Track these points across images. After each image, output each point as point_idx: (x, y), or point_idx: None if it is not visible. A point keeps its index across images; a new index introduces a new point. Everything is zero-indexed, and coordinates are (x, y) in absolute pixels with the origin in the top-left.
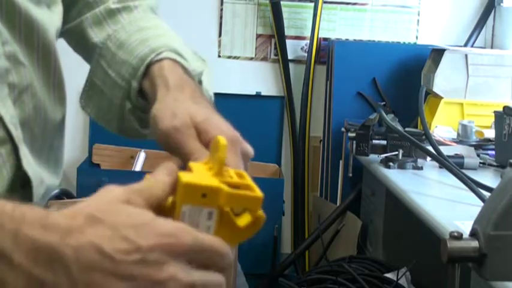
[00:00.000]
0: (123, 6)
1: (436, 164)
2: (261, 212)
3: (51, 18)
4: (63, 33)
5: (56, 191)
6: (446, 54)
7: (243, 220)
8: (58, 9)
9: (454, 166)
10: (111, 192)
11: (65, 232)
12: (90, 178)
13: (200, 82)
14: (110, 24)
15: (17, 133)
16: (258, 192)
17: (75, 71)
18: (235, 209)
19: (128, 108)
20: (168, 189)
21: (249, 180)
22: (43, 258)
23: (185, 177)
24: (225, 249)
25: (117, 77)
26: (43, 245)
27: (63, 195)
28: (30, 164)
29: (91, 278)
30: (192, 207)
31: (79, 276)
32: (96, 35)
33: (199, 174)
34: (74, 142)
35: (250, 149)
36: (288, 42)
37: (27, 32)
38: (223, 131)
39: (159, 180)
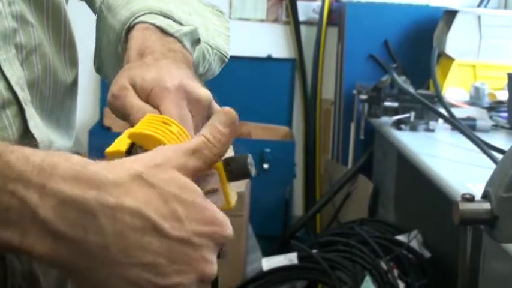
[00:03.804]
0: None
1: (448, 126)
2: None
3: None
4: None
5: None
6: (458, 15)
7: None
8: None
9: (466, 128)
10: (164, 153)
11: (104, 188)
12: (101, 141)
13: (198, 40)
14: None
15: (23, 94)
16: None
17: (86, 33)
18: None
19: None
20: (223, 148)
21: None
22: (73, 214)
23: None
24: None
25: (109, 42)
26: (73, 199)
27: None
28: (38, 126)
29: (126, 242)
30: None
31: (113, 238)
32: None
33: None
34: (85, 105)
35: (203, 93)
36: (299, 3)
37: None
38: (161, 81)
39: (213, 135)
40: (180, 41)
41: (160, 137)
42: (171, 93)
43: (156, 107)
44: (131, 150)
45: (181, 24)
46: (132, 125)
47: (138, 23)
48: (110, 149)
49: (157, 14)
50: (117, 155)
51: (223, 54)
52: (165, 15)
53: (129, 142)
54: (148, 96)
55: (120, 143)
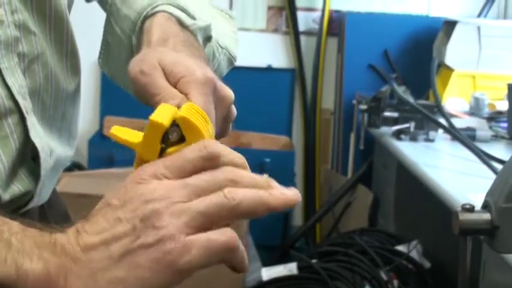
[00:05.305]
0: None
1: (448, 136)
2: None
3: None
4: None
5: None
6: (458, 26)
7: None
8: None
9: (466, 138)
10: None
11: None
12: (101, 150)
13: (209, 37)
14: None
15: (24, 103)
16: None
17: (87, 41)
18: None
19: None
20: None
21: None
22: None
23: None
24: None
25: (121, 33)
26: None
27: (75, 167)
28: (39, 135)
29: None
30: None
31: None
32: None
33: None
34: (85, 114)
35: (228, 93)
36: (299, 14)
37: (38, 0)
38: (192, 71)
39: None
40: (194, 35)
41: (204, 133)
42: (200, 84)
43: (185, 95)
44: (169, 130)
45: (194, 19)
46: (153, 106)
47: (158, 12)
48: (154, 117)
49: (173, 6)
50: (159, 127)
51: (232, 56)
52: (182, 9)
53: (172, 120)
54: (177, 83)
55: (164, 117)
